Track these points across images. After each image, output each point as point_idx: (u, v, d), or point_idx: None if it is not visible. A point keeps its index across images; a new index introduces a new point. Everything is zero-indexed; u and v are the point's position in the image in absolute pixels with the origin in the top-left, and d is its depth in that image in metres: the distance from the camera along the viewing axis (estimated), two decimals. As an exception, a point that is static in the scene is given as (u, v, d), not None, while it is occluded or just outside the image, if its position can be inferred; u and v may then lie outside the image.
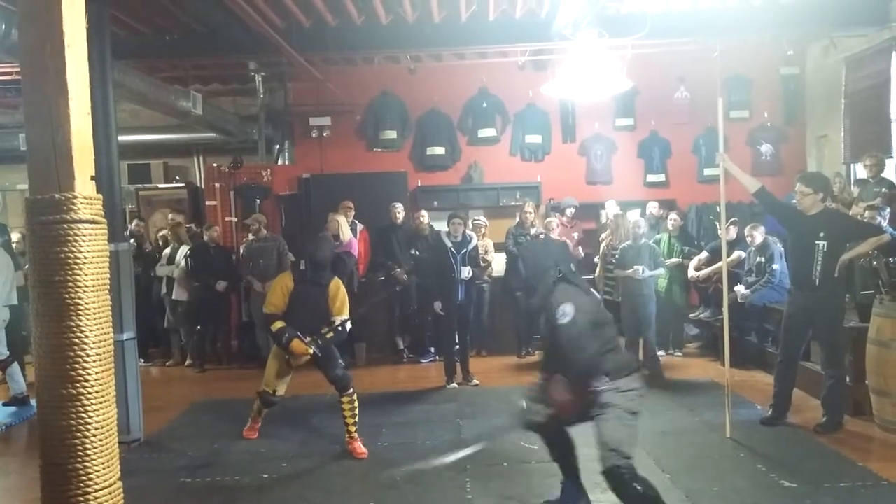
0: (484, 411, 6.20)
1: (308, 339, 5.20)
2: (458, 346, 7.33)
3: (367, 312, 7.04)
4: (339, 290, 5.34)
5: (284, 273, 5.72)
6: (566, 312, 3.49)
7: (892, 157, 8.10)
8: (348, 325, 5.54)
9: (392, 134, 10.17)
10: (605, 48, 6.49)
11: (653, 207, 8.82)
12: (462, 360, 7.32)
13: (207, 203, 9.84)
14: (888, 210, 6.91)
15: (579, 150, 10.24)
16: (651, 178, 10.14)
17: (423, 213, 8.60)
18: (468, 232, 7.53)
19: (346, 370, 5.49)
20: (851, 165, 9.02)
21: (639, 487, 3.40)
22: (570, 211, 9.03)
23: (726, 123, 9.88)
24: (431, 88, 9.99)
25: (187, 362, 8.74)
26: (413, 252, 8.34)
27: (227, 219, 9.63)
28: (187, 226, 9.45)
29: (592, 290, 3.83)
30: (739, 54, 9.38)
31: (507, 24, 7.91)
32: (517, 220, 8.64)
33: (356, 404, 5.35)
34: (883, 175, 7.83)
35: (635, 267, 7.14)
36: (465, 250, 7.24)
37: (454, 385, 7.15)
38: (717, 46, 8.76)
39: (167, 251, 8.84)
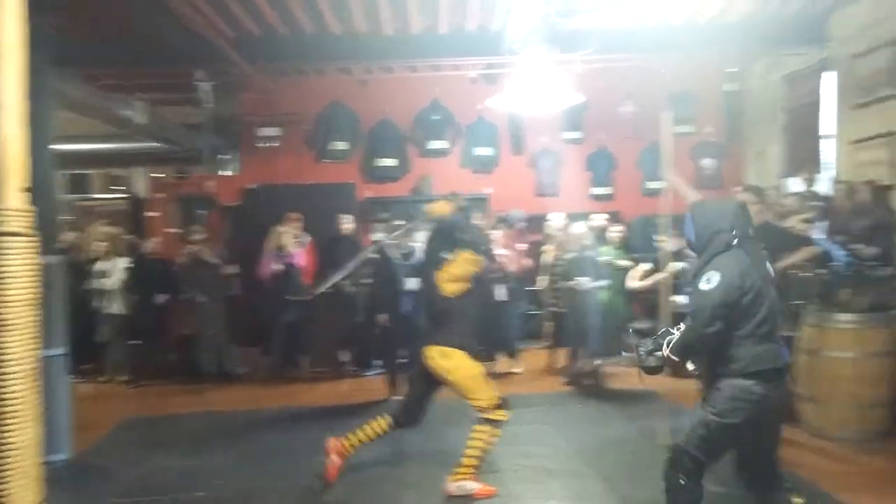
0: (427, 423, 6.13)
1: None
2: (405, 360, 7.28)
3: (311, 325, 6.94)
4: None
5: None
6: (710, 279, 3.25)
7: (824, 171, 8.38)
8: None
9: (342, 145, 10.11)
10: (554, 63, 6.59)
11: (598, 219, 8.90)
12: (406, 374, 7.26)
13: (149, 214, 9.62)
14: (822, 223, 7.13)
15: (528, 163, 10.34)
16: (597, 190, 10.28)
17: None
18: (413, 244, 7.53)
19: None
20: (787, 180, 9.29)
21: (682, 480, 3.39)
22: (520, 225, 9.09)
23: (670, 138, 10.18)
24: (383, 100, 9.97)
25: (121, 378, 8.50)
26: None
27: (169, 230, 9.44)
28: (128, 237, 9.23)
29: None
30: (684, 71, 9.60)
31: (458, 38, 7.96)
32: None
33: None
34: (816, 189, 8.11)
35: (577, 278, 7.21)
36: (411, 261, 7.24)
37: (398, 398, 7.09)
38: (662, 63, 9.00)
39: (103, 263, 8.60)
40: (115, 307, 8.35)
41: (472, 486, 4.52)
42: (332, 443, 4.79)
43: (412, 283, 7.18)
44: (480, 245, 4.73)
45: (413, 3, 7.09)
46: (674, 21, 7.88)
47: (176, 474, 5.16)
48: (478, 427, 4.56)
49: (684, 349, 3.33)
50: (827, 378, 5.18)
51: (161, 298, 8.25)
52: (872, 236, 6.83)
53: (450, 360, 4.56)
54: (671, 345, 3.33)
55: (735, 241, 3.36)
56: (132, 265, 8.31)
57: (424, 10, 7.37)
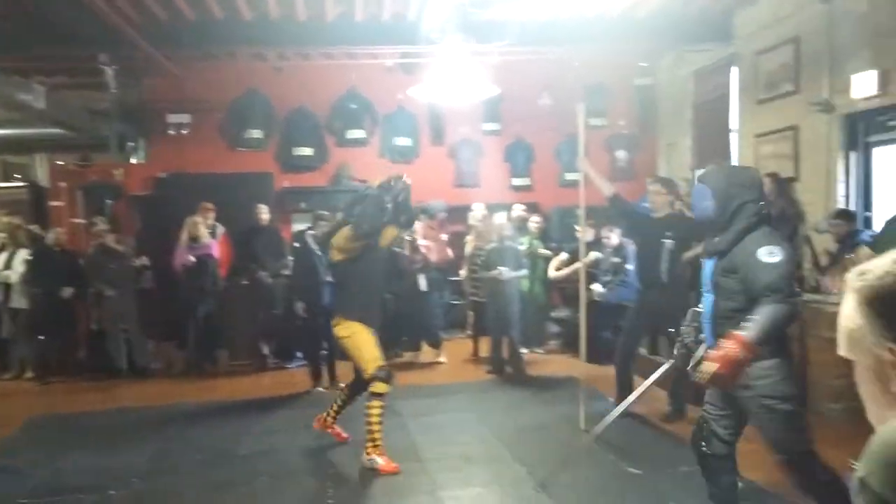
0: (349, 415, 6.09)
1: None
2: (325, 351, 7.20)
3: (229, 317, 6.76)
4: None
5: (346, 226, 5.00)
6: (773, 252, 3.03)
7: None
8: None
9: (257, 133, 9.87)
10: (471, 54, 6.63)
11: (518, 210, 9.04)
12: (329, 364, 7.20)
13: (52, 204, 9.12)
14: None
15: (448, 153, 10.37)
16: (516, 181, 10.43)
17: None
18: None
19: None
20: (697, 171, 9.66)
21: (820, 478, 3.18)
22: (440, 215, 9.10)
23: (585, 130, 10.42)
24: (298, 88, 9.77)
25: (28, 374, 8.08)
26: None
27: (74, 220, 8.99)
28: (30, 228, 8.74)
29: None
30: (597, 64, 9.83)
31: (374, 26, 7.89)
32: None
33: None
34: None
35: (498, 268, 7.29)
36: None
37: (320, 389, 7.02)
38: (577, 56, 9.19)
39: (3, 255, 8.13)
40: (19, 301, 7.90)
41: (379, 461, 4.72)
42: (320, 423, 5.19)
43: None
44: (362, 224, 4.78)
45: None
46: (587, 14, 8.05)
47: (88, 473, 4.94)
48: (367, 403, 4.80)
49: (774, 328, 3.02)
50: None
51: (67, 292, 7.87)
52: (777, 226, 7.21)
53: (342, 328, 4.87)
54: (755, 329, 2.95)
55: (765, 213, 3.21)
56: (34, 257, 7.87)
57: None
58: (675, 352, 3.60)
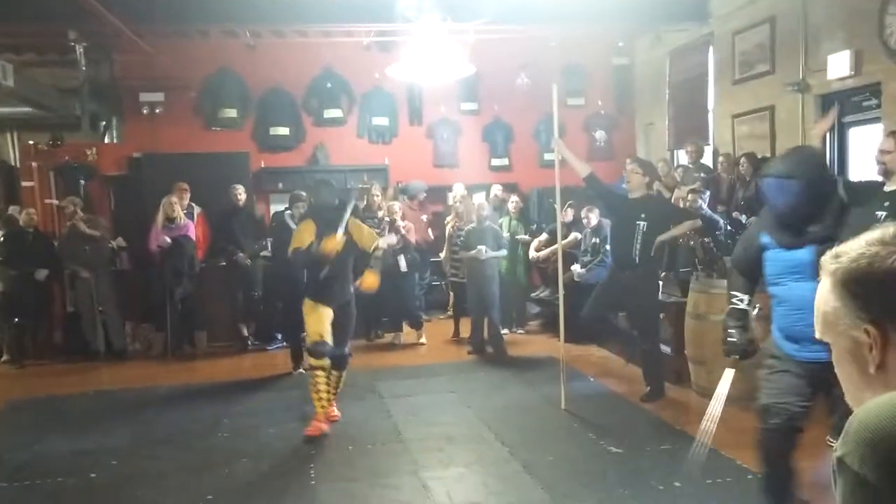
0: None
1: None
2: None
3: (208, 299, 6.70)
4: (360, 226, 5.36)
5: (304, 221, 5.32)
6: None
7: (709, 144, 8.82)
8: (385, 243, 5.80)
9: (232, 112, 9.74)
10: (448, 32, 6.57)
11: (497, 190, 9.05)
12: None
13: (24, 184, 8.94)
14: (707, 193, 7.51)
15: (426, 133, 10.32)
16: (495, 161, 10.41)
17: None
18: None
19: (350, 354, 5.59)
20: (675, 152, 9.73)
21: None
22: (420, 195, 9.08)
23: (564, 110, 10.36)
24: (273, 66, 9.62)
25: (3, 358, 7.96)
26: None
27: (46, 201, 8.83)
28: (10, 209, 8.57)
29: None
30: (575, 44, 9.80)
31: (350, 3, 7.80)
32: (364, 202, 8.56)
33: (343, 380, 5.49)
34: (702, 161, 8.52)
35: (479, 247, 7.30)
36: None
37: (301, 371, 7.00)
38: (553, 35, 9.16)
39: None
40: (-6, 283, 7.77)
41: (323, 426, 5.10)
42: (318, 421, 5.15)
43: None
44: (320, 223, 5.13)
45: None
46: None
47: (67, 456, 4.91)
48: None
49: None
50: (713, 341, 5.45)
51: (42, 274, 7.73)
52: (753, 206, 7.29)
53: (304, 305, 5.22)
54: None
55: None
56: (7, 238, 7.72)
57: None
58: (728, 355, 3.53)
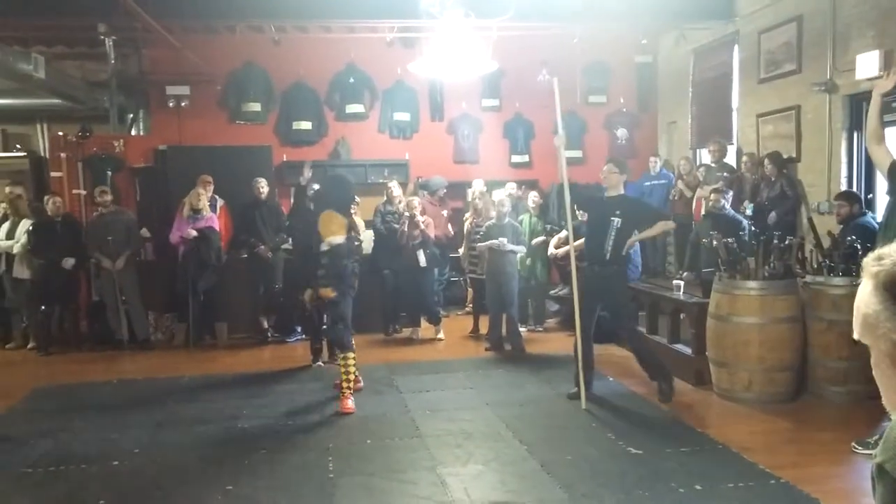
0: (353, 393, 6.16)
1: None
2: (325, 325, 7.23)
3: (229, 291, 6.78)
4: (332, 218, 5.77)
5: (329, 213, 5.71)
6: None
7: (732, 143, 8.74)
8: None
9: (256, 106, 9.82)
10: (471, 29, 6.57)
11: (511, 188, 9.00)
12: (328, 339, 7.22)
13: (52, 174, 9.08)
14: (730, 193, 7.46)
15: (447, 129, 10.33)
16: (516, 158, 10.41)
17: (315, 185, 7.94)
18: None
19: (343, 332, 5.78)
20: (697, 150, 9.66)
21: None
22: (441, 191, 9.10)
23: (585, 108, 10.41)
24: (297, 61, 9.70)
25: (30, 345, 8.11)
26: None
27: (74, 191, 8.96)
28: (31, 199, 8.72)
29: None
30: (598, 41, 9.75)
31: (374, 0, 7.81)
32: (385, 197, 8.61)
33: (349, 365, 5.65)
34: (725, 160, 8.46)
35: (500, 238, 7.27)
36: None
37: (320, 364, 7.06)
38: (576, 32, 9.12)
39: (6, 225, 8.11)
40: (21, 272, 7.89)
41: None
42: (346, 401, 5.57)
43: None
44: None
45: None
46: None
47: (91, 444, 4.99)
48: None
49: None
50: (734, 343, 5.46)
51: (69, 263, 7.83)
52: (776, 206, 7.24)
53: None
54: None
55: None
56: (36, 227, 7.85)
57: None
58: None
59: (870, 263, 1.09)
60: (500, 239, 7.29)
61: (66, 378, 6.86)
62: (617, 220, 5.50)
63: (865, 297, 1.09)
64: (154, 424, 5.39)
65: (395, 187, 8.53)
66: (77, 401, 6.06)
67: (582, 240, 5.99)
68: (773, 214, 7.16)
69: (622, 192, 5.67)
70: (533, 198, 8.55)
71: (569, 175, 5.66)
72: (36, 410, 5.87)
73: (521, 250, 7.60)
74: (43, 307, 7.93)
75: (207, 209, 7.93)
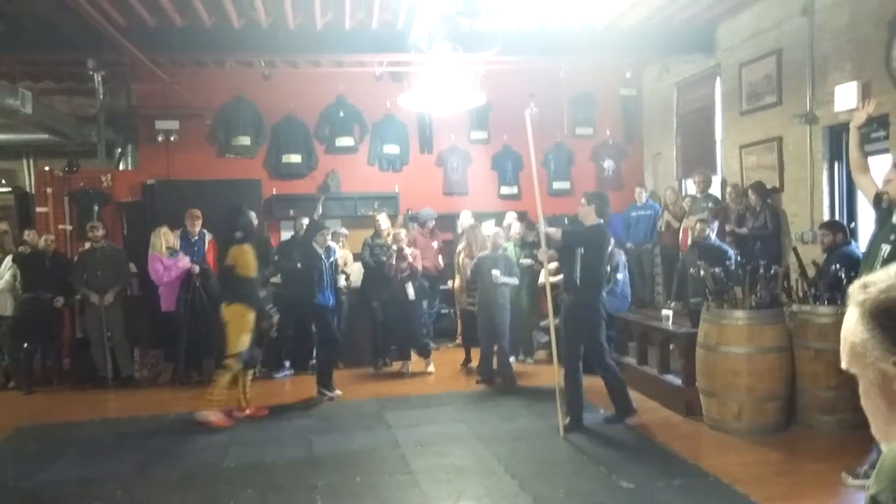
0: (338, 426, 6.11)
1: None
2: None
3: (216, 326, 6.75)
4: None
5: (247, 244, 6.36)
6: None
7: (717, 174, 8.84)
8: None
9: (245, 140, 9.84)
10: (459, 63, 6.66)
11: (510, 219, 8.97)
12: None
13: (38, 210, 9.05)
14: (716, 223, 7.54)
15: (436, 162, 10.39)
16: (505, 190, 10.46)
17: (304, 220, 8.24)
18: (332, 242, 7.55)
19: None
20: (683, 181, 9.75)
21: None
22: (430, 223, 9.12)
23: (572, 140, 10.51)
24: (287, 95, 9.76)
25: (11, 384, 7.99)
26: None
27: (60, 226, 8.92)
28: (15, 234, 8.66)
29: None
30: (583, 74, 9.89)
31: (363, 34, 7.92)
32: (373, 230, 8.62)
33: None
34: (710, 191, 8.55)
35: (493, 271, 7.29)
36: (332, 259, 7.26)
37: (326, 395, 6.99)
38: (562, 66, 9.25)
39: (-10, 261, 8.05)
40: (5, 308, 7.81)
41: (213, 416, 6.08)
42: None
43: (342, 281, 7.86)
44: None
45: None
46: (572, 25, 8.12)
47: (72, 484, 4.90)
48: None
49: None
50: (724, 373, 5.47)
51: (59, 301, 7.80)
52: (761, 236, 7.32)
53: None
54: None
55: None
56: (24, 263, 7.78)
57: (328, 5, 7.30)
58: None
59: (856, 291, 1.08)
60: (494, 271, 7.30)
61: (48, 417, 6.75)
62: (581, 250, 5.68)
63: (852, 325, 1.08)
64: (138, 464, 5.29)
65: (383, 220, 8.56)
66: (59, 441, 5.95)
67: (548, 278, 6.18)
68: (758, 244, 7.25)
69: (595, 223, 5.81)
70: (515, 228, 8.56)
71: (558, 206, 5.78)
72: (17, 451, 5.77)
73: (514, 282, 7.60)
74: (26, 345, 7.82)
75: (176, 245, 7.90)
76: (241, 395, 6.49)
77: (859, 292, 1.07)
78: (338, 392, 7.07)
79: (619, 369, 6.07)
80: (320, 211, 7.98)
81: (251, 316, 6.23)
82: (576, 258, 5.70)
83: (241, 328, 6.18)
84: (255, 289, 6.31)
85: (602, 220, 5.89)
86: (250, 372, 6.59)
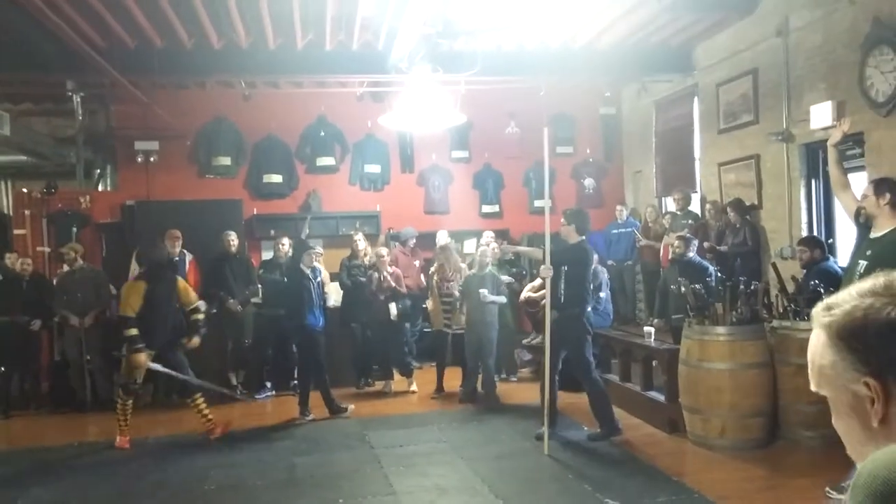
0: (320, 447, 6.05)
1: (153, 353, 6.12)
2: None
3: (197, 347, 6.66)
4: (185, 285, 6.52)
5: (135, 280, 6.31)
6: None
7: (696, 192, 8.93)
8: (203, 307, 6.80)
9: (226, 160, 9.81)
10: (439, 83, 6.70)
11: (487, 237, 8.95)
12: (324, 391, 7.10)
13: (16, 232, 8.94)
14: (695, 240, 7.60)
15: (418, 181, 10.42)
16: (486, 208, 10.50)
17: (284, 240, 8.32)
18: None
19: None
20: (663, 199, 9.84)
21: None
22: (411, 242, 9.11)
23: (553, 158, 10.49)
24: (268, 115, 9.75)
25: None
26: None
27: (38, 248, 8.82)
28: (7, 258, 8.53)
29: None
30: (563, 94, 10.00)
31: (344, 55, 7.95)
32: (351, 251, 8.59)
33: (201, 402, 6.41)
34: (690, 208, 8.63)
35: (481, 290, 7.28)
36: (319, 279, 7.22)
37: (311, 417, 6.91)
38: (542, 85, 9.34)
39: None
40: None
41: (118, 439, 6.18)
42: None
43: (333, 300, 7.95)
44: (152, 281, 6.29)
45: (297, 19, 7.02)
46: (551, 45, 8.22)
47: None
48: None
49: None
50: (707, 389, 5.49)
51: (36, 324, 7.68)
52: (741, 252, 7.39)
53: None
54: None
55: None
56: (1, 285, 7.66)
57: (308, 26, 7.33)
58: None
59: (819, 314, 1.07)
60: (481, 290, 7.29)
61: (26, 441, 6.64)
62: (565, 267, 5.80)
63: (820, 348, 1.07)
64: (117, 489, 5.21)
65: (360, 240, 8.54)
66: (37, 465, 5.84)
67: (528, 293, 6.20)
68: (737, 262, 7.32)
69: (574, 241, 5.94)
70: (492, 247, 8.54)
71: (540, 224, 5.88)
72: (-6, 477, 5.65)
73: (502, 300, 7.59)
74: (2, 368, 7.68)
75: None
76: (202, 420, 6.41)
77: (823, 314, 1.07)
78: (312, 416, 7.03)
79: (604, 385, 6.07)
80: (307, 231, 7.95)
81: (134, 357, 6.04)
82: (560, 275, 5.79)
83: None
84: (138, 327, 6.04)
85: (584, 237, 5.98)
86: (197, 397, 6.47)
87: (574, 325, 5.82)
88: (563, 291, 5.79)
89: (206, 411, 6.41)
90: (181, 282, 6.42)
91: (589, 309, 6.09)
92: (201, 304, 6.65)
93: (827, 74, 6.73)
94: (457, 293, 7.68)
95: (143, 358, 6.01)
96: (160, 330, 6.15)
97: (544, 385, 5.85)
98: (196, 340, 6.41)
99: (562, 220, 6.07)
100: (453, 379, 7.79)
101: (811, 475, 4.86)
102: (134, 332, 5.96)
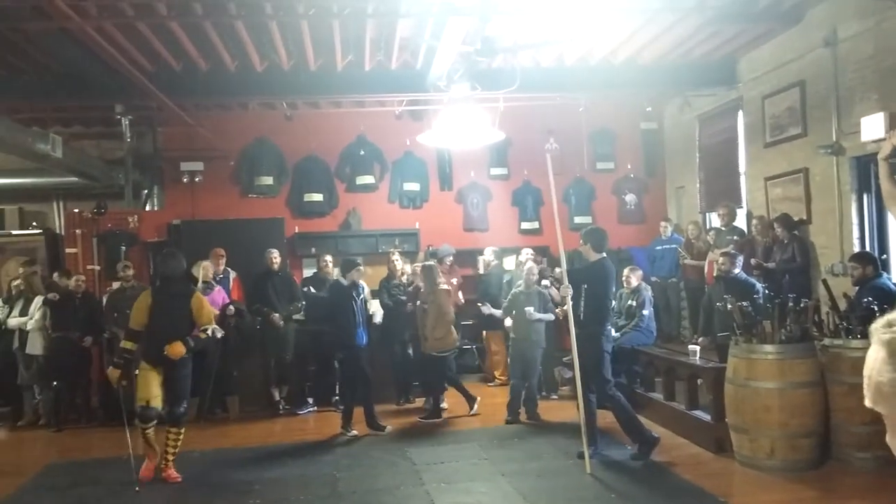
0: (362, 463, 6.06)
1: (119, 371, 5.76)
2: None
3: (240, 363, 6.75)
4: (201, 302, 5.82)
5: (144, 291, 6.04)
6: None
7: (742, 206, 8.77)
8: (218, 334, 6.35)
9: (268, 180, 9.99)
10: (478, 101, 6.72)
11: (526, 255, 8.90)
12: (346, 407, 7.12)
13: (68, 251, 9.23)
14: (741, 256, 7.44)
15: (456, 198, 10.44)
16: (525, 225, 10.46)
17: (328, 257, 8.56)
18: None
19: (186, 412, 5.94)
20: (707, 214, 9.68)
21: None
22: (448, 259, 9.13)
23: (593, 175, 10.52)
24: (308, 135, 9.92)
25: (41, 421, 8.04)
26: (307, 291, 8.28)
27: (89, 267, 9.06)
28: (46, 275, 8.79)
29: None
30: (603, 109, 9.95)
31: (383, 74, 8.03)
32: (388, 271, 8.62)
33: (180, 439, 5.82)
34: (735, 224, 8.47)
35: (526, 308, 7.25)
36: (362, 297, 7.27)
37: (354, 432, 6.93)
38: (582, 101, 9.31)
39: (20, 302, 8.16)
40: (35, 348, 7.89)
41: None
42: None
43: (379, 317, 7.97)
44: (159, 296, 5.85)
45: (337, 41, 7.12)
46: (591, 61, 8.17)
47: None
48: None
49: None
50: (754, 408, 5.34)
51: (88, 341, 7.88)
52: (789, 269, 7.22)
53: None
54: None
55: None
56: (52, 304, 7.89)
57: (348, 47, 7.43)
58: None
59: (879, 330, 1.06)
60: (527, 308, 7.25)
61: (77, 454, 6.78)
62: (585, 286, 5.85)
63: (878, 365, 1.06)
64: (164, 501, 5.29)
65: (397, 260, 8.58)
66: (88, 478, 5.96)
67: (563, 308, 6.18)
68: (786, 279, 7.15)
69: (596, 258, 5.96)
70: (529, 266, 8.46)
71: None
72: (46, 488, 5.77)
73: (549, 318, 7.52)
74: (55, 383, 7.89)
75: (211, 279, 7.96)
76: (146, 448, 5.89)
77: (884, 331, 1.06)
78: (389, 427, 7.10)
79: (625, 399, 5.99)
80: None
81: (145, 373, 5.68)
82: (580, 293, 5.85)
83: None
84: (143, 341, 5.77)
85: (604, 255, 5.99)
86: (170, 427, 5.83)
87: (592, 343, 5.83)
88: (582, 309, 5.84)
89: (153, 442, 5.82)
90: (197, 299, 5.76)
91: (609, 327, 6.10)
92: (213, 329, 5.96)
93: (878, 85, 6.57)
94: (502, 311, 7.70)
95: (115, 373, 5.73)
96: (164, 345, 5.54)
97: (579, 404, 5.82)
98: (178, 348, 5.53)
99: (580, 241, 6.11)
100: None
101: (863, 497, 4.70)
102: (129, 345, 5.70)
